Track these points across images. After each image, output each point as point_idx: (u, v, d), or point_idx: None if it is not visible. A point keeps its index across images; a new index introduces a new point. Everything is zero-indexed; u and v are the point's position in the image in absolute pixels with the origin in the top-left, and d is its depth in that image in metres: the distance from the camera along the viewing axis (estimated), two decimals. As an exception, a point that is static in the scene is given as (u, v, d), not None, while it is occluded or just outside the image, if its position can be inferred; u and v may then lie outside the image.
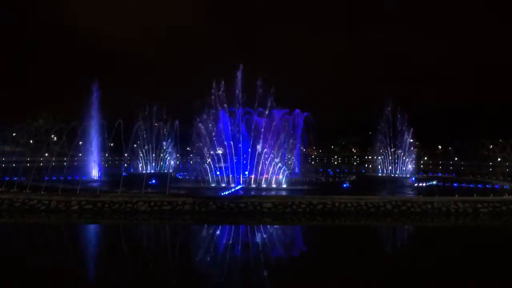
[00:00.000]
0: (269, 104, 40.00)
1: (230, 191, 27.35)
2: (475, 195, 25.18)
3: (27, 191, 23.49)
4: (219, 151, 37.93)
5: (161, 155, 54.27)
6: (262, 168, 35.13)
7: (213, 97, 41.36)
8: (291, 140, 39.80)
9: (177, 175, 41.38)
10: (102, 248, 15.58)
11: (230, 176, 34.59)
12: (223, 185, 31.95)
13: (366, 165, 75.69)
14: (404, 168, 52.15)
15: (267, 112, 38.86)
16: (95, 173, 39.61)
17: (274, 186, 31.81)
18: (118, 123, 31.88)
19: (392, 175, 51.50)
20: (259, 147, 36.25)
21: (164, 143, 53.74)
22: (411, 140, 53.11)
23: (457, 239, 17.63)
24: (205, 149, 37.17)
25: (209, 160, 35.55)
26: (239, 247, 14.78)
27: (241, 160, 37.84)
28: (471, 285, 10.94)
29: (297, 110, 41.58)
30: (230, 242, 16.01)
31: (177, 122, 46.15)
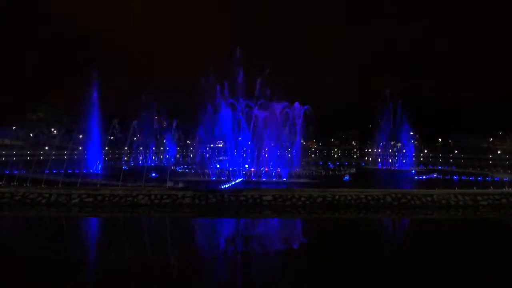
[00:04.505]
0: (269, 97, 40.01)
1: (230, 184, 27.39)
2: (475, 188, 25.26)
3: (28, 184, 23.52)
4: (219, 144, 37.96)
5: (161, 148, 54.32)
6: (262, 161, 35.19)
7: (213, 89, 41.32)
8: (291, 133, 39.79)
9: (177, 168, 41.40)
10: (103, 241, 15.62)
11: (230, 169, 34.63)
12: (223, 178, 31.98)
13: (366, 158, 75.72)
14: (404, 161, 52.21)
15: (267, 105, 38.85)
16: (95, 166, 39.63)
17: (274, 179, 31.83)
18: (120, 119, 31.93)
19: (392, 168, 51.58)
20: (259, 140, 36.24)
21: (165, 136, 53.75)
22: (411, 133, 53.15)
23: (458, 231, 17.70)
24: (205, 142, 37.17)
25: (209, 153, 35.57)
26: (240, 240, 14.82)
27: (241, 153, 37.89)
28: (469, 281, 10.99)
29: (297, 103, 41.57)
30: (231, 235, 16.06)
31: (176, 116, 46.16)
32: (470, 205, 21.19)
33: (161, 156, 54.81)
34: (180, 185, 24.06)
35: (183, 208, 20.11)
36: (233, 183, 28.74)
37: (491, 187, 26.03)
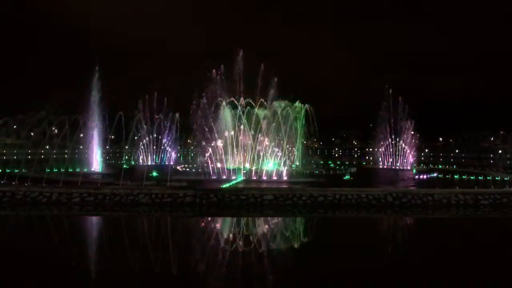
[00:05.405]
0: (270, 95, 40.04)
1: (231, 184, 27.37)
2: (475, 187, 25.25)
3: (29, 183, 23.52)
4: (220, 143, 37.92)
5: (162, 147, 54.31)
6: (263, 160, 35.17)
7: (213, 87, 41.38)
8: (292, 132, 39.76)
9: (178, 167, 41.40)
10: (104, 240, 15.63)
11: (231, 168, 34.61)
12: (224, 177, 31.96)
13: (366, 158, 75.66)
14: (404, 160, 52.17)
15: (268, 104, 38.87)
16: (96, 165, 39.63)
17: (275, 178, 31.81)
18: (119, 116, 31.93)
19: (393, 167, 51.54)
20: (259, 139, 36.22)
21: (165, 135, 53.75)
22: (412, 132, 53.10)
23: (458, 230, 17.71)
24: (206, 141, 37.15)
25: (210, 152, 35.53)
26: (241, 239, 14.81)
27: (242, 152, 37.87)
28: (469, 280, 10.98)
29: (298, 102, 41.56)
30: (232, 234, 16.06)
31: (177, 114, 46.06)
32: (471, 204, 21.15)
33: (162, 155, 54.79)
34: (181, 184, 24.06)
35: (184, 207, 20.11)
36: (233, 182, 28.72)
37: (492, 187, 26.01)
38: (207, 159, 34.87)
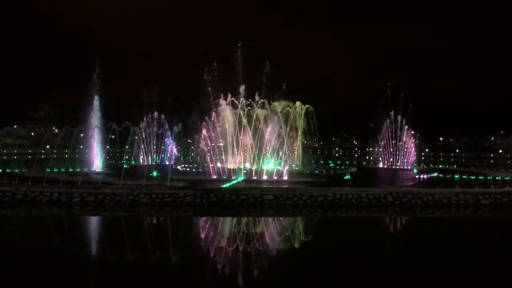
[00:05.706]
0: (275, 96, 40.10)
1: (231, 183, 27.37)
2: (476, 187, 25.24)
3: (29, 183, 23.53)
4: (220, 143, 37.94)
5: (162, 147, 54.35)
6: (263, 160, 35.17)
7: (213, 86, 41.37)
8: (292, 132, 39.80)
9: (178, 167, 41.40)
10: (103, 239, 15.63)
11: (231, 168, 34.62)
12: (224, 177, 31.97)
13: (367, 157, 75.63)
14: (405, 160, 52.18)
15: (268, 104, 38.88)
16: (96, 165, 39.62)
17: (275, 178, 31.81)
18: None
19: (393, 167, 51.55)
20: (260, 139, 36.22)
21: (166, 135, 53.79)
22: (412, 132, 53.13)
23: (459, 230, 17.71)
24: (206, 141, 37.16)
25: (210, 152, 35.54)
26: (241, 239, 14.80)
27: (242, 152, 37.87)
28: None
29: (298, 102, 41.57)
30: (232, 234, 16.05)
31: (178, 114, 46.11)
32: (471, 204, 21.14)
33: (162, 155, 54.83)
34: (181, 184, 24.06)
35: (184, 207, 20.10)
36: (234, 182, 28.72)
37: (492, 186, 25.99)
38: (207, 158, 34.90)
